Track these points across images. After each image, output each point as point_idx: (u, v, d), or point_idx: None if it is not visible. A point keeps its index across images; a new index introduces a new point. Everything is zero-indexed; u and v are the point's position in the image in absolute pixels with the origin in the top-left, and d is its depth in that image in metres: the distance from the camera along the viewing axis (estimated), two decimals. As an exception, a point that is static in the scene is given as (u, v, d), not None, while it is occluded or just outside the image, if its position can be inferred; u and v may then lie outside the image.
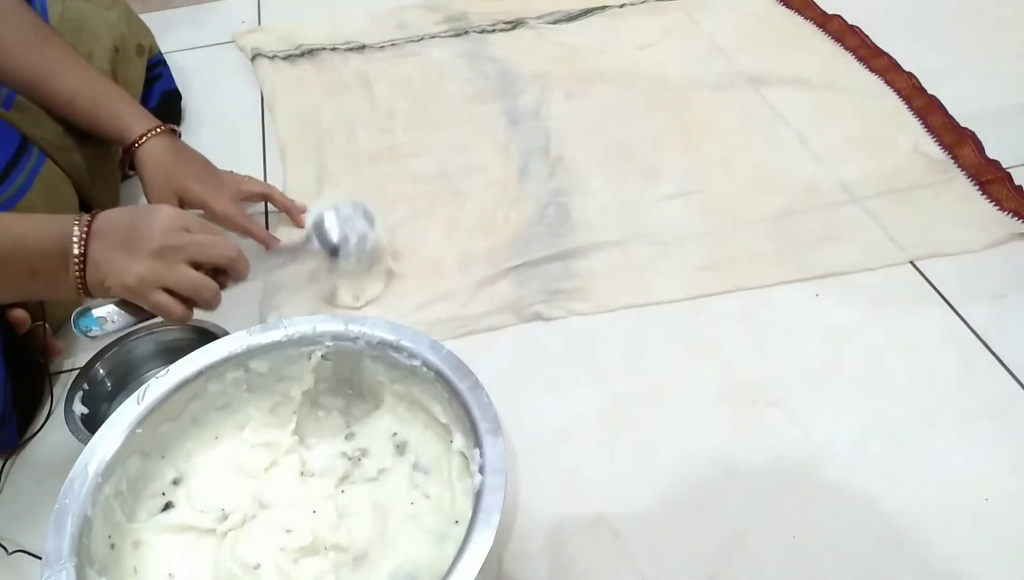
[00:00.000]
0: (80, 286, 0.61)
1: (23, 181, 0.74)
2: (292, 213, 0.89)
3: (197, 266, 0.63)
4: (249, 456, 0.61)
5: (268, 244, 0.84)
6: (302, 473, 0.60)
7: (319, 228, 0.78)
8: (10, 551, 0.63)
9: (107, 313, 0.63)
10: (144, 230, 0.61)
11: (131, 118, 0.81)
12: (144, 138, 0.80)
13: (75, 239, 0.59)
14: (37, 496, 0.68)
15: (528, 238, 0.85)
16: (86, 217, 0.61)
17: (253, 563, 0.54)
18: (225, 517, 0.57)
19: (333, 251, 0.78)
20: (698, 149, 0.95)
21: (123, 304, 0.64)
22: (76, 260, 0.60)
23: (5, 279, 0.59)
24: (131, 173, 0.83)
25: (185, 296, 0.63)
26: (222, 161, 0.90)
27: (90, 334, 0.63)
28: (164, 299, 0.62)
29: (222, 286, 0.66)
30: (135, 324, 0.65)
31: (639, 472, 0.66)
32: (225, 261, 0.65)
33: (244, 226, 0.84)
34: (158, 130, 0.81)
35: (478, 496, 0.48)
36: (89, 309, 0.63)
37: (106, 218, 0.61)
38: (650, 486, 0.65)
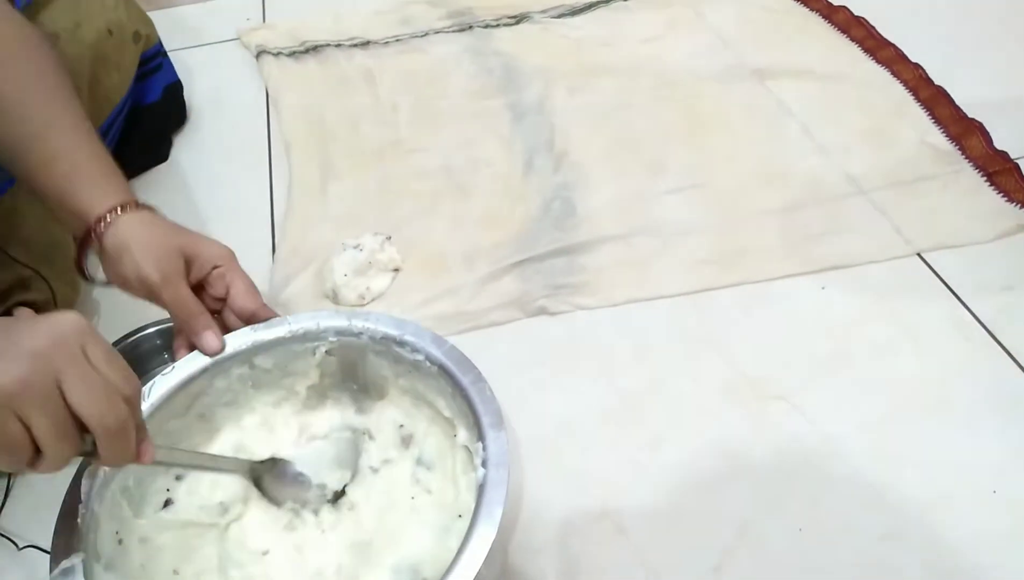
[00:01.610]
0: None
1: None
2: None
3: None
4: (250, 441, 0.61)
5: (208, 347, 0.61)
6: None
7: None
8: (20, 547, 0.64)
9: None
10: (25, 338, 0.42)
11: (92, 195, 0.61)
12: (115, 213, 0.60)
13: None
14: (46, 492, 0.68)
15: (533, 233, 0.85)
16: None
17: (261, 549, 0.55)
18: (225, 510, 0.57)
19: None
20: (703, 142, 0.95)
21: None
22: None
23: None
24: (97, 282, 0.65)
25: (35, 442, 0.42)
26: (228, 159, 0.90)
27: None
28: (12, 432, 0.41)
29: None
30: None
31: (644, 465, 0.66)
32: (100, 424, 0.43)
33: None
34: (137, 205, 0.62)
35: (481, 490, 0.49)
36: None
37: None
38: (655, 479, 0.65)
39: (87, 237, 0.61)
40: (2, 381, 0.40)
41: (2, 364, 0.40)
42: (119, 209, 0.60)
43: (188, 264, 0.62)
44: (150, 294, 0.60)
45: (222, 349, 0.60)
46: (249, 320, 0.62)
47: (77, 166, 0.62)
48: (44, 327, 0.43)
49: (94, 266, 0.64)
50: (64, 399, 0.42)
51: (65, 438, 0.42)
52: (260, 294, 0.64)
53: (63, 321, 0.44)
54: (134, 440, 0.45)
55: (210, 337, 0.60)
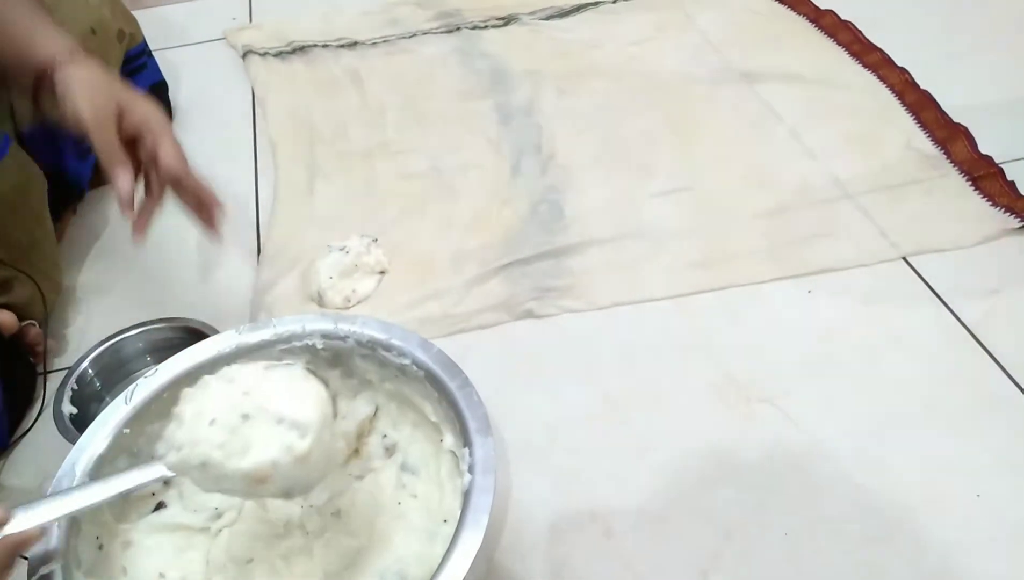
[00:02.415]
0: None
1: None
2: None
3: None
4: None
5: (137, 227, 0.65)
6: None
7: None
8: (-1, 552, 0.63)
9: None
10: None
11: (43, 39, 0.67)
12: (72, 55, 0.66)
13: None
14: (27, 496, 0.68)
15: (520, 235, 0.85)
16: None
17: (246, 558, 0.54)
18: (219, 515, 0.57)
19: None
20: (691, 146, 0.95)
21: None
22: None
23: None
24: (48, 117, 0.69)
25: None
26: (214, 159, 0.89)
27: None
28: None
29: None
30: None
31: (632, 469, 0.65)
32: None
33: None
34: (75, 54, 0.66)
35: (467, 496, 0.48)
36: None
37: None
38: (643, 483, 0.64)
39: (43, 76, 0.65)
40: None
41: None
42: (70, 52, 0.66)
43: (121, 115, 0.64)
44: (83, 134, 0.62)
45: (131, 191, 0.62)
46: (175, 185, 0.64)
47: (31, 23, 0.68)
48: None
49: (50, 105, 0.67)
50: None
51: None
52: (188, 161, 0.64)
53: None
54: None
55: (123, 176, 0.61)
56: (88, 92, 0.63)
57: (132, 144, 0.64)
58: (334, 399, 0.62)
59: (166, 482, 0.58)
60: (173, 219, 0.66)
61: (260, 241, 0.89)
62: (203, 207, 0.66)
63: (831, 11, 1.13)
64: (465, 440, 0.52)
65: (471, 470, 0.50)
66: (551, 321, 0.78)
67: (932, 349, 0.72)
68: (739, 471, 0.65)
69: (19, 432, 0.72)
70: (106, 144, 0.62)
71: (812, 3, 1.16)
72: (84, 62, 0.66)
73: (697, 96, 1.02)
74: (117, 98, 0.64)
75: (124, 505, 0.56)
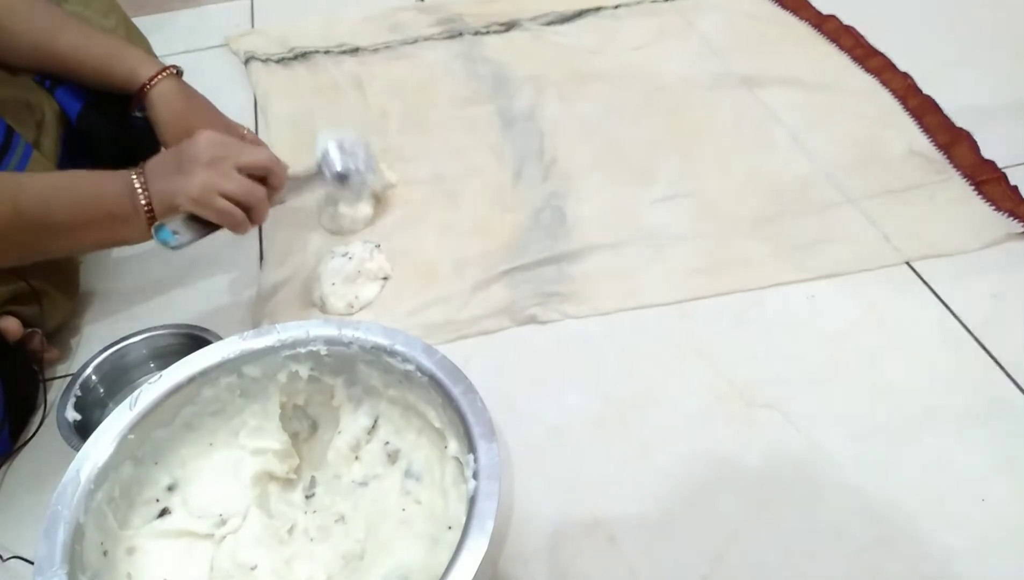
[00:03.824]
0: (150, 220, 0.68)
1: (16, 163, 0.75)
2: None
3: (245, 173, 0.69)
4: (245, 462, 0.61)
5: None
6: (296, 478, 0.60)
7: (326, 158, 0.84)
8: (5, 558, 0.63)
9: (176, 226, 0.68)
10: (191, 152, 0.68)
11: (138, 61, 0.83)
12: (155, 80, 0.82)
13: (136, 186, 0.67)
14: (31, 503, 0.68)
15: (523, 241, 0.85)
16: (137, 168, 0.68)
17: (250, 564, 0.54)
18: (224, 522, 0.57)
19: (340, 178, 0.85)
20: (692, 151, 0.95)
21: (189, 219, 0.69)
22: (143, 201, 0.67)
23: (94, 227, 0.68)
24: (139, 115, 0.85)
25: (241, 202, 0.69)
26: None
27: (170, 245, 0.68)
28: (225, 205, 0.68)
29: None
30: (202, 236, 0.70)
31: (634, 474, 0.65)
32: (267, 164, 0.72)
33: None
34: (167, 72, 0.83)
35: (472, 502, 0.48)
36: (163, 224, 0.68)
37: (154, 161, 0.70)
38: (645, 488, 0.64)
39: (138, 96, 0.83)
40: (199, 181, 0.67)
41: (191, 177, 0.67)
42: (160, 74, 0.82)
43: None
44: None
45: None
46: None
47: (110, 43, 0.84)
48: (200, 141, 0.69)
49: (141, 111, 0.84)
50: (238, 169, 0.69)
51: (252, 188, 0.70)
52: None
53: (205, 136, 0.69)
54: (284, 167, 0.74)
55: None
56: (165, 126, 0.82)
57: None
58: (337, 410, 0.62)
59: (169, 487, 0.58)
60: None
61: (262, 247, 0.89)
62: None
63: (833, 16, 1.14)
64: (469, 446, 0.52)
65: (475, 476, 0.50)
66: (553, 327, 0.78)
67: (935, 353, 0.72)
68: (741, 476, 0.65)
69: (22, 439, 0.72)
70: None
71: (814, 8, 1.17)
72: (166, 85, 0.82)
73: (698, 101, 1.02)
74: (188, 127, 0.76)
75: (128, 510, 0.56)
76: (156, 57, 0.88)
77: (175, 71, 0.85)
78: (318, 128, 1.01)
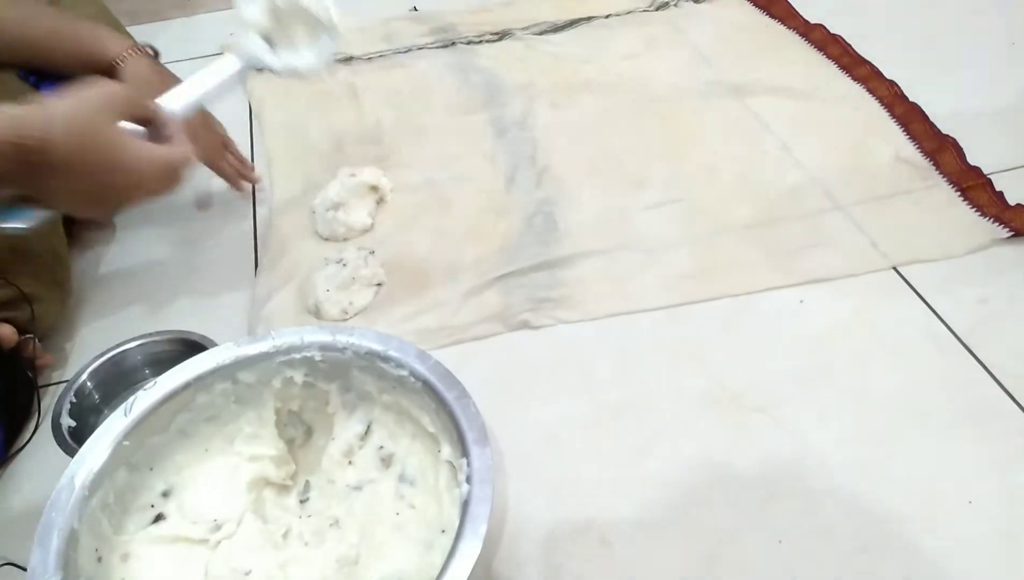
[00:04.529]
0: None
1: None
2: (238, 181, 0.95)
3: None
4: (240, 468, 0.61)
5: (237, 186, 0.94)
6: (292, 484, 0.60)
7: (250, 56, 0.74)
8: (-2, 565, 0.63)
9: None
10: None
11: (109, 38, 0.79)
12: (125, 56, 0.78)
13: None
14: (25, 509, 0.68)
15: (515, 247, 0.86)
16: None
17: (245, 570, 0.55)
18: (218, 527, 0.57)
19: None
20: (683, 158, 0.96)
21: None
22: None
23: None
24: None
25: None
26: (211, 173, 0.90)
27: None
28: None
29: None
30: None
31: (627, 478, 0.66)
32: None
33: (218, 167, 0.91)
34: (136, 51, 0.79)
35: (465, 506, 0.49)
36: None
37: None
38: (638, 491, 0.65)
39: (108, 71, 0.78)
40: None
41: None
42: (130, 50, 0.79)
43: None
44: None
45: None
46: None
47: (82, 24, 0.81)
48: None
49: None
50: None
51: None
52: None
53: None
54: None
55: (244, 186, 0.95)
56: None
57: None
58: (331, 416, 0.63)
59: (164, 493, 0.59)
60: (171, 233, 0.66)
61: (257, 254, 0.89)
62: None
63: (821, 25, 1.15)
64: (463, 451, 0.52)
65: (468, 481, 0.50)
66: (546, 332, 0.78)
67: (923, 358, 0.73)
68: (733, 480, 0.65)
69: (17, 445, 0.72)
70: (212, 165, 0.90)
71: (802, 17, 1.18)
72: (144, 61, 0.79)
73: (689, 109, 1.03)
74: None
75: (123, 516, 0.56)
76: (131, 37, 0.85)
77: (151, 51, 0.82)
78: (310, 134, 1.03)
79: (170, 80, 0.81)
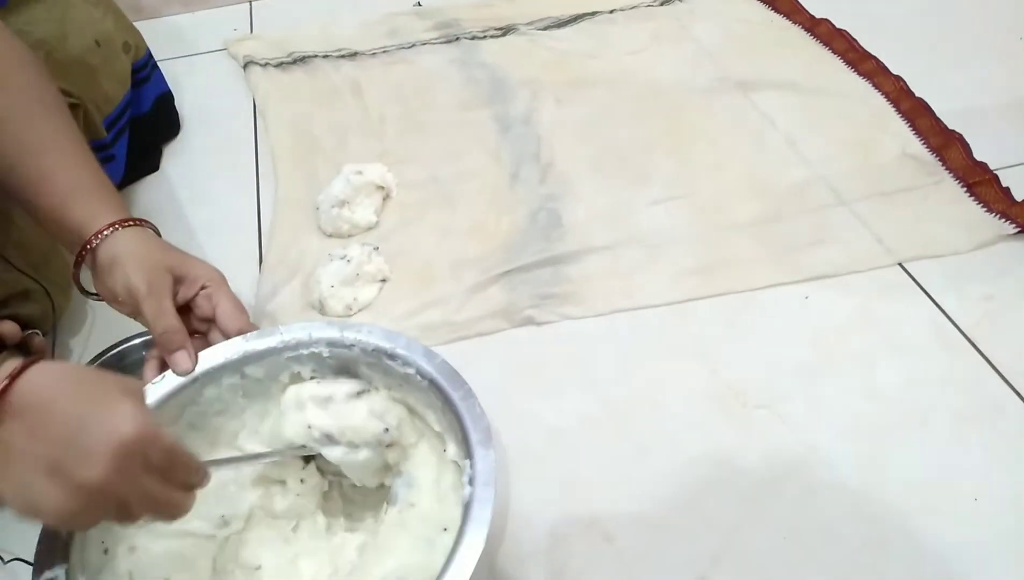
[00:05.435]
0: None
1: None
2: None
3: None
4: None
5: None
6: (302, 480, 0.61)
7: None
8: (7, 560, 0.63)
9: None
10: (89, 451, 0.42)
11: (98, 211, 0.62)
12: (113, 229, 0.62)
13: None
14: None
15: (519, 243, 0.86)
16: (13, 365, 0.43)
17: (254, 564, 0.55)
18: (226, 523, 0.57)
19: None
20: (688, 153, 0.96)
21: None
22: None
23: None
24: (92, 295, 0.66)
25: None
26: (216, 169, 0.90)
27: None
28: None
29: None
30: None
31: (631, 475, 0.66)
32: (164, 516, 0.47)
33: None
34: (134, 222, 0.63)
35: (467, 507, 0.49)
36: None
37: (42, 397, 0.43)
38: (642, 488, 0.65)
39: (83, 251, 0.62)
40: (62, 507, 0.42)
41: (56, 489, 0.42)
42: (116, 226, 0.62)
43: (177, 283, 0.63)
44: (135, 306, 0.61)
45: (192, 370, 0.59)
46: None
47: (73, 183, 0.63)
48: (110, 441, 0.42)
49: (88, 281, 0.65)
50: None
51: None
52: (247, 314, 0.64)
53: (123, 432, 0.43)
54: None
55: (183, 357, 0.59)
56: (142, 266, 0.60)
57: (185, 310, 0.63)
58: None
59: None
60: (176, 229, 0.66)
61: (262, 250, 0.90)
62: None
63: (826, 20, 1.15)
64: (467, 452, 0.52)
65: (472, 482, 0.50)
66: (550, 328, 0.78)
67: (928, 354, 0.73)
68: (737, 476, 0.65)
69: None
70: (162, 315, 0.60)
71: (807, 12, 1.17)
72: (132, 232, 0.62)
73: (693, 105, 1.03)
74: (171, 268, 0.62)
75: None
76: (124, 209, 0.64)
77: (147, 222, 0.65)
78: (314, 130, 1.03)
79: (162, 254, 0.64)
